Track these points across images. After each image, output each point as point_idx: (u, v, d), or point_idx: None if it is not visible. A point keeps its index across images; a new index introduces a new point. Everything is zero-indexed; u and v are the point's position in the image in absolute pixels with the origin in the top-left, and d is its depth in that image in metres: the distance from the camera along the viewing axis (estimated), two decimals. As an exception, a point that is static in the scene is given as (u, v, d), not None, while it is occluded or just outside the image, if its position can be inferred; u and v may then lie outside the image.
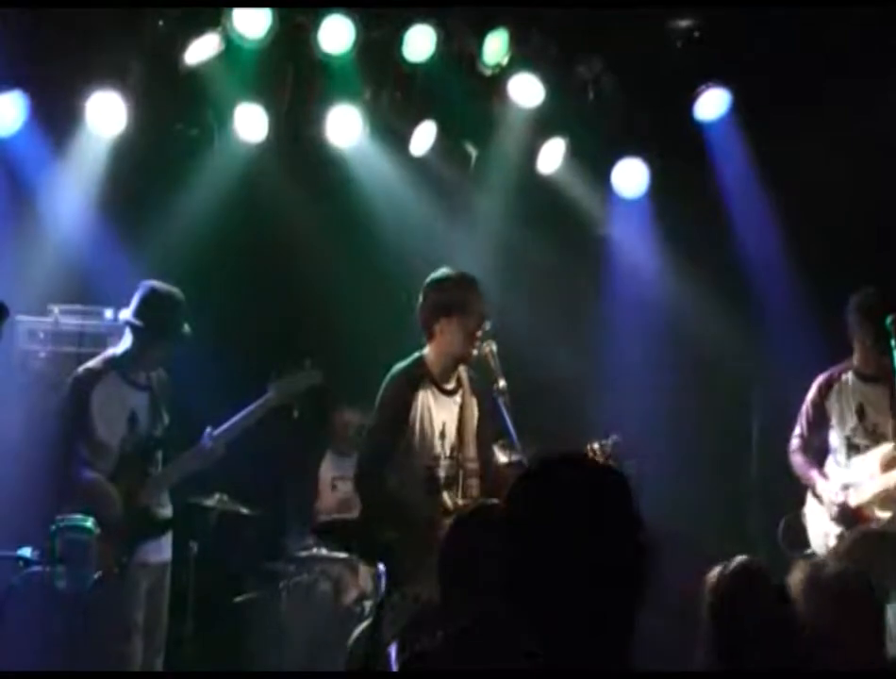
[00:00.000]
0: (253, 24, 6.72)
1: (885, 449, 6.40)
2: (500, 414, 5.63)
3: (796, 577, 3.63)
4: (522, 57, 7.31)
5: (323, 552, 7.62)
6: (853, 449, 6.55)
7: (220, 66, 7.01)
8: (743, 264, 7.96)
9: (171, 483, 6.32)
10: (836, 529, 6.46)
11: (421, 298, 5.69)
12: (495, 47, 7.19)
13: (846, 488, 6.46)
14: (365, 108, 7.44)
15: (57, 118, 7.00)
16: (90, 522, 5.54)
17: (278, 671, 7.27)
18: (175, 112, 7.38)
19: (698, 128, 7.76)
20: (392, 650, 4.67)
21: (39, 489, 6.22)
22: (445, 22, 7.07)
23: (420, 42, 7.05)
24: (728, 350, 7.96)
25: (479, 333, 5.59)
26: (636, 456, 5.55)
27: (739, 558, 3.59)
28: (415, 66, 7.19)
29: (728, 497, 8.06)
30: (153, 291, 6.19)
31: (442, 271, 5.71)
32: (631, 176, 8.07)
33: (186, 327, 6.21)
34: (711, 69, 7.55)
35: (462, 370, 5.74)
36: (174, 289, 6.23)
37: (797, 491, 6.77)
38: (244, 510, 7.08)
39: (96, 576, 5.56)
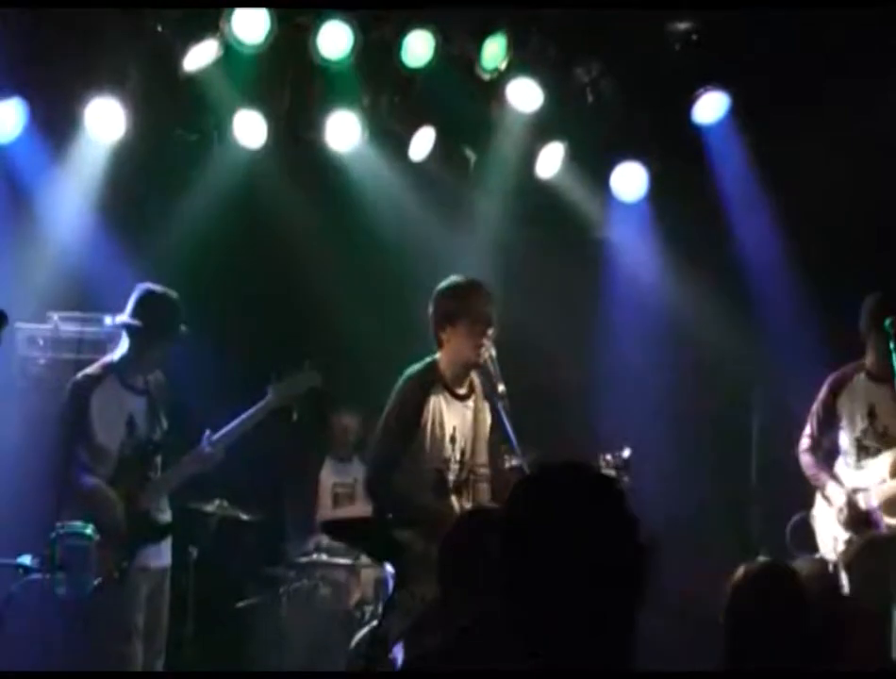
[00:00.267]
0: (251, 30, 6.71)
1: (895, 453, 6.38)
2: (500, 419, 5.65)
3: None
4: (520, 62, 7.30)
5: (324, 557, 7.62)
6: (863, 451, 6.49)
7: (219, 72, 7.01)
8: (743, 267, 7.96)
9: (170, 487, 6.32)
10: (844, 534, 6.40)
11: (430, 307, 5.72)
12: (494, 51, 7.18)
13: (855, 491, 6.42)
14: (364, 113, 7.43)
15: (56, 124, 7.01)
16: (89, 529, 5.54)
17: (278, 671, 7.27)
18: (175, 118, 7.38)
19: (697, 131, 7.75)
20: (398, 649, 4.69)
21: (38, 496, 6.23)
22: (444, 26, 7.07)
23: (418, 47, 7.04)
24: (728, 352, 7.96)
25: (486, 339, 5.59)
26: (635, 470, 5.55)
27: (762, 560, 3.56)
28: (414, 71, 7.18)
29: (728, 498, 8.05)
30: (148, 293, 6.22)
31: (450, 279, 5.75)
32: (630, 180, 8.05)
33: (182, 327, 6.22)
34: (710, 72, 7.54)
35: (475, 375, 5.76)
36: (170, 291, 6.25)
37: (797, 493, 6.74)
38: (244, 516, 7.07)
39: (96, 582, 5.56)
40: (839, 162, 7.22)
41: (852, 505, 6.39)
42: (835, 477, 6.54)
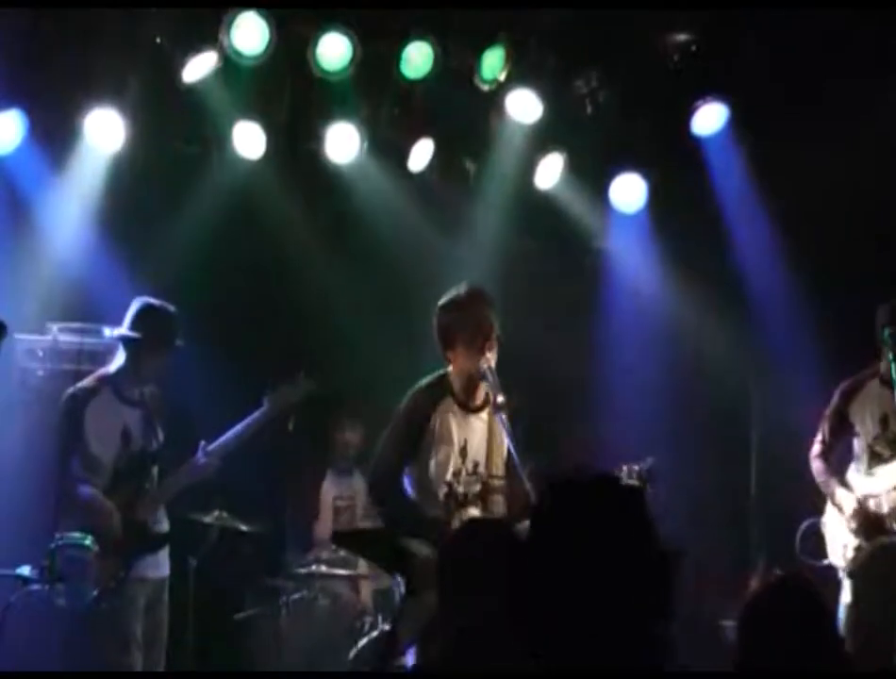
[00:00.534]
0: (251, 41, 6.73)
1: None
2: (500, 429, 5.63)
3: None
4: (519, 73, 7.31)
5: (323, 568, 7.62)
6: (875, 457, 6.44)
7: (218, 83, 7.02)
8: (742, 277, 7.96)
9: (167, 498, 6.33)
10: (854, 541, 6.36)
11: (433, 323, 5.74)
12: (493, 63, 7.20)
13: (867, 498, 6.38)
14: (363, 125, 7.44)
15: (55, 135, 7.02)
16: (89, 540, 5.57)
17: (278, 671, 7.26)
18: (174, 129, 7.39)
19: (696, 142, 7.76)
20: (409, 655, 4.70)
21: (38, 506, 6.24)
22: (443, 38, 7.08)
23: (418, 58, 7.06)
24: (728, 362, 7.97)
25: (488, 349, 5.58)
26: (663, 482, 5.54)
27: (779, 572, 3.51)
28: (413, 82, 7.19)
29: (728, 507, 8.04)
30: (147, 306, 6.24)
31: (448, 294, 5.73)
32: (629, 191, 8.06)
33: (179, 340, 6.23)
34: (709, 83, 7.55)
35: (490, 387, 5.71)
36: (167, 304, 6.26)
37: (797, 501, 6.73)
38: (244, 527, 7.06)
39: (95, 593, 5.56)
40: (839, 174, 7.21)
41: (863, 511, 6.36)
42: (845, 484, 6.50)
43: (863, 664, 3.48)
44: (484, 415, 5.70)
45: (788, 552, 6.58)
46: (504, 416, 5.49)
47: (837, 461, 6.62)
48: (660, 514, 2.29)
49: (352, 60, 6.88)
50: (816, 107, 7.28)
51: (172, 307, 6.26)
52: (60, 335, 7.18)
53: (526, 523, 5.14)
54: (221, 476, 6.35)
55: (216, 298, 7.79)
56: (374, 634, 7.07)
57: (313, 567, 7.63)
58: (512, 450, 5.48)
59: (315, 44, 6.86)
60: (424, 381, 5.71)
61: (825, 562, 6.42)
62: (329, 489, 8.49)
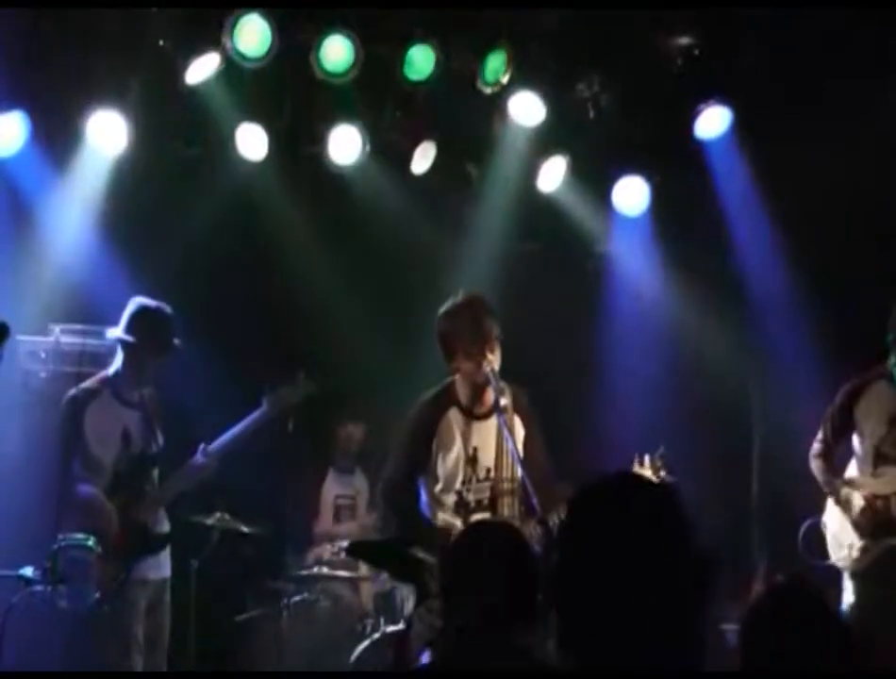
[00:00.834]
0: (253, 44, 6.73)
1: None
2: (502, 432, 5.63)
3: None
4: (522, 76, 7.31)
5: (324, 570, 7.62)
6: (880, 458, 6.36)
7: (220, 85, 7.03)
8: (744, 281, 7.96)
9: (167, 499, 6.35)
10: (859, 541, 6.31)
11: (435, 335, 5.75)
12: (495, 66, 7.20)
13: (874, 499, 6.32)
14: (365, 127, 7.44)
15: (57, 137, 7.03)
16: (91, 541, 5.58)
17: (279, 672, 7.26)
18: (176, 131, 7.40)
19: (698, 145, 7.75)
20: (424, 659, 4.72)
21: (40, 507, 6.25)
22: (445, 41, 7.09)
23: (420, 61, 7.06)
24: (730, 365, 7.96)
25: (489, 353, 5.57)
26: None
27: (781, 578, 3.49)
28: (415, 85, 7.19)
29: (729, 508, 8.03)
30: (142, 308, 6.24)
31: (446, 303, 5.73)
32: (632, 194, 8.07)
33: (176, 341, 6.23)
34: (711, 86, 7.55)
35: (507, 390, 5.70)
36: (163, 305, 6.26)
37: (799, 501, 6.72)
38: (245, 528, 7.07)
39: (97, 594, 5.56)
40: (841, 177, 7.21)
41: (871, 511, 6.32)
42: (850, 483, 6.45)
43: (865, 664, 3.45)
44: (493, 420, 5.69)
45: (789, 552, 6.55)
46: (505, 418, 5.50)
47: (837, 461, 6.61)
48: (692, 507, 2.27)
49: (354, 63, 6.87)
50: (816, 107, 7.27)
51: (168, 308, 6.26)
52: (62, 336, 7.19)
53: (534, 524, 5.15)
54: (221, 478, 6.36)
55: (217, 299, 7.80)
56: (376, 636, 7.06)
57: (314, 568, 7.64)
58: (513, 453, 5.48)
59: (318, 47, 6.86)
60: (431, 391, 5.73)
61: (828, 562, 6.40)
62: (331, 488, 8.49)
